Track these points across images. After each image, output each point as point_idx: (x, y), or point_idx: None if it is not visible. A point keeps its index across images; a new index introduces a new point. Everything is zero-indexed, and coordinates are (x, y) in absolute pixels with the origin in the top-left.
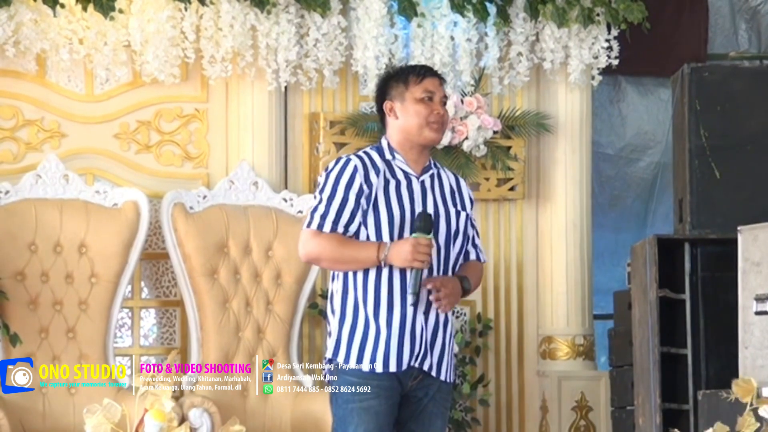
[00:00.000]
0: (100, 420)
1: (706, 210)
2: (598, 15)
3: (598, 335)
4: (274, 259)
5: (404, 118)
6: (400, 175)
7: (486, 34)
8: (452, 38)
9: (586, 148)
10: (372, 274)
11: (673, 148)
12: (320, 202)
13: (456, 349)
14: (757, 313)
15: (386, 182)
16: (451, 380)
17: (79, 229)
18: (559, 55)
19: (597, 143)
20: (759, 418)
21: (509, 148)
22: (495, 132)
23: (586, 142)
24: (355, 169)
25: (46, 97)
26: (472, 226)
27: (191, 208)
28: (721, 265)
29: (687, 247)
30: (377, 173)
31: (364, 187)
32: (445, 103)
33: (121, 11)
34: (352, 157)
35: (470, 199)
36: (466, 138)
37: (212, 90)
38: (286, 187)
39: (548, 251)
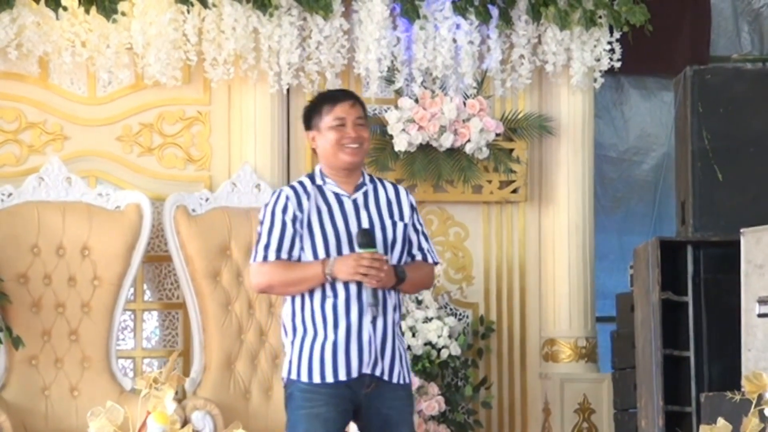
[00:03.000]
0: (103, 423)
1: (708, 212)
2: (600, 17)
3: (602, 337)
4: None
5: (322, 145)
6: (331, 198)
7: (488, 36)
8: (454, 41)
9: (588, 151)
10: (316, 292)
11: (675, 151)
12: (261, 235)
13: (458, 351)
14: (760, 315)
15: (318, 206)
16: (406, 382)
17: (81, 232)
18: (562, 57)
19: (600, 145)
20: (764, 419)
21: (511, 150)
22: (497, 134)
23: (588, 144)
24: (287, 198)
25: (48, 99)
26: (416, 231)
27: (193, 210)
28: (723, 267)
29: (689, 249)
30: (308, 198)
31: (297, 212)
32: (361, 123)
33: (123, 14)
34: (284, 188)
35: (411, 206)
36: (469, 140)
37: (214, 92)
38: None
39: (551, 253)
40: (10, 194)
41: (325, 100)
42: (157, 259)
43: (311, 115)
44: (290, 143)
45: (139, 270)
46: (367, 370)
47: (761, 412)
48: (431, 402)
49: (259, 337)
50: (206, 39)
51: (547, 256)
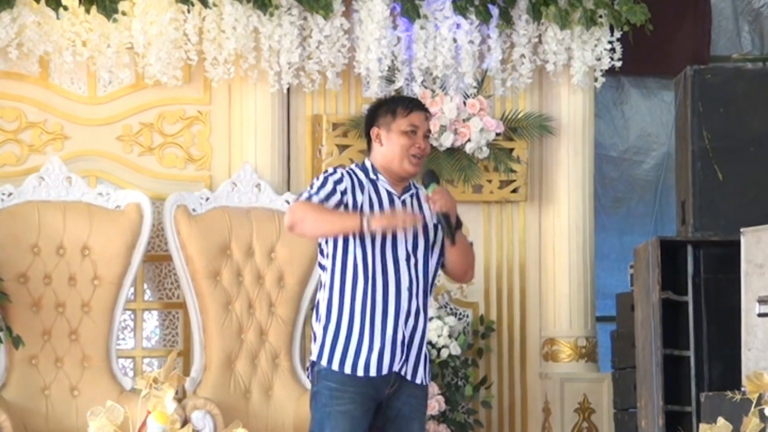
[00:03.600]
0: (103, 422)
1: (708, 212)
2: (600, 17)
3: (602, 337)
4: (276, 261)
5: (388, 146)
6: (383, 194)
7: (489, 36)
8: (455, 40)
9: (588, 150)
10: (357, 287)
11: (675, 150)
12: (311, 187)
13: (458, 351)
14: (760, 315)
15: (371, 198)
16: (426, 383)
17: (81, 232)
18: (562, 57)
19: (600, 145)
20: (764, 418)
21: (512, 150)
22: (497, 134)
23: (588, 144)
24: (343, 176)
25: (49, 99)
26: None
27: (194, 210)
28: (723, 267)
29: (690, 249)
30: (362, 189)
31: (349, 192)
32: (428, 137)
33: (123, 13)
34: (343, 170)
35: None
36: (469, 140)
37: (215, 92)
38: (288, 189)
39: (551, 253)
40: (10, 194)
41: (400, 102)
42: (158, 259)
43: (381, 113)
44: (290, 143)
45: (139, 269)
46: (396, 368)
47: (761, 412)
48: (431, 401)
49: (259, 337)
50: (207, 38)
51: (547, 255)
